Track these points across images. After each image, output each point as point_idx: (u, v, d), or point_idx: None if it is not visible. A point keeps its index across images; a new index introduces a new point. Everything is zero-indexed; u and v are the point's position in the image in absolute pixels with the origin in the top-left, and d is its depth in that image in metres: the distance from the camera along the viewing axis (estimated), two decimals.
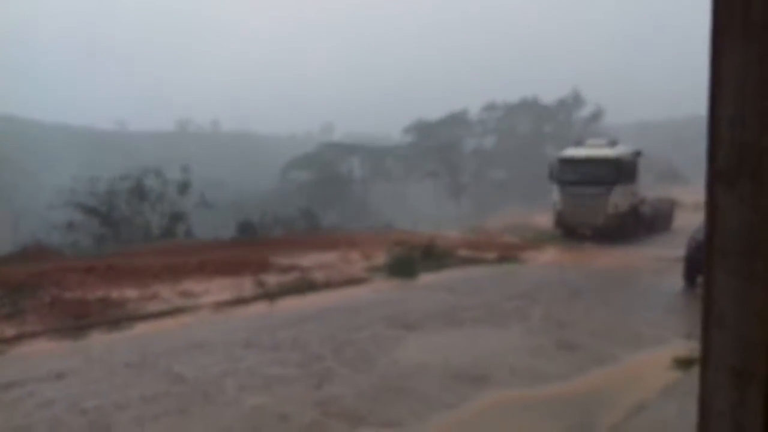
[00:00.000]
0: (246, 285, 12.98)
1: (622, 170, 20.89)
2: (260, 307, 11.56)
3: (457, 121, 49.80)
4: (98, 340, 9.34)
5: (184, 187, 25.05)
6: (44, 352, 8.56)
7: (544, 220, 23.35)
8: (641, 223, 21.60)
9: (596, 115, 52.57)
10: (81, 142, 51.74)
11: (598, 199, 20.50)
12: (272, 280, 13.53)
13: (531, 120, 50.93)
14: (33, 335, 9.24)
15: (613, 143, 22.84)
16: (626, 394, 6.69)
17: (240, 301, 11.92)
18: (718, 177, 2.22)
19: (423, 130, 49.20)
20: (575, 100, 52.58)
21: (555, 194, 21.93)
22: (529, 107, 51.09)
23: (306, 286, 13.19)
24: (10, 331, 9.24)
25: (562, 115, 52.35)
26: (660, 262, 15.20)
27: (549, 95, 51.82)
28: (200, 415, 6.31)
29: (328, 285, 13.38)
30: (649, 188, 23.47)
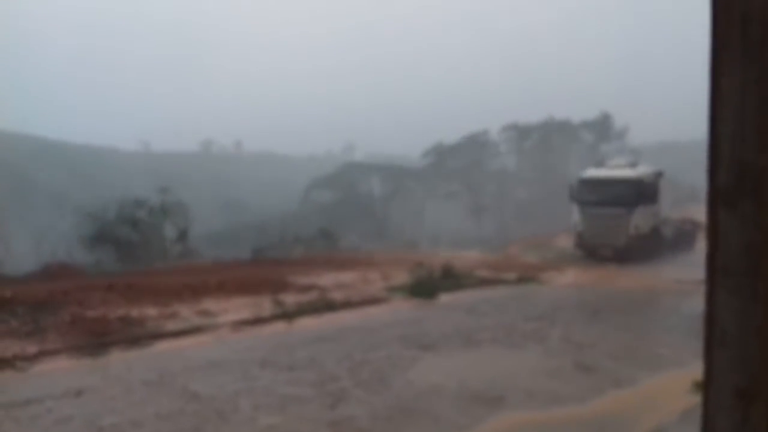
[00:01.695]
0: (264, 304, 13.03)
1: (643, 191, 20.75)
2: (278, 327, 11.59)
3: (477, 141, 49.82)
4: (117, 358, 9.42)
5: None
6: (64, 370, 8.66)
7: (565, 241, 23.22)
8: (663, 245, 21.38)
9: (621, 135, 52.33)
10: (105, 163, 52.52)
11: (619, 219, 20.36)
12: (290, 299, 13.57)
13: (554, 140, 50.76)
14: (53, 353, 9.34)
15: (634, 164, 22.71)
16: (644, 418, 6.61)
17: (258, 321, 11.96)
18: (718, 196, 2.22)
19: (442, 151, 49.28)
20: (604, 121, 52.37)
21: (575, 215, 21.83)
22: (552, 127, 50.97)
23: (324, 305, 13.21)
24: (30, 348, 9.36)
25: (586, 135, 52.15)
26: (681, 284, 14.99)
27: (573, 115, 51.74)
28: None
29: (346, 305, 13.40)
30: (670, 209, 23.25)
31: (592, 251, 21.51)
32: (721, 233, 2.18)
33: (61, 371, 8.57)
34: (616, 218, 20.39)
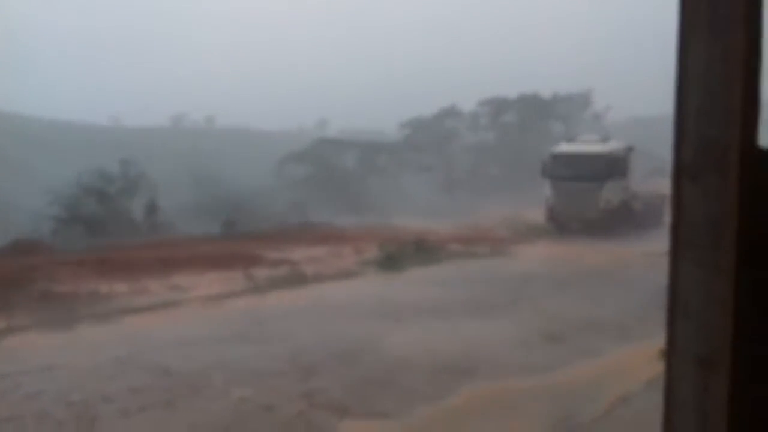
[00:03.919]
0: (236, 279, 13.00)
1: (613, 166, 20.97)
2: (249, 301, 11.58)
3: (451, 115, 49.74)
4: (87, 333, 9.35)
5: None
6: (33, 345, 8.56)
7: (537, 215, 23.40)
8: (632, 218, 21.67)
9: (597, 111, 52.61)
10: (76, 138, 51.52)
11: (590, 193, 20.58)
12: (262, 273, 13.55)
13: (528, 115, 50.83)
14: (22, 328, 9.25)
15: (605, 139, 22.91)
16: (611, 386, 6.74)
17: (229, 295, 11.94)
18: (683, 171, 2.25)
19: (418, 125, 49.12)
20: (581, 97, 52.51)
21: (547, 189, 22.01)
22: (527, 103, 51.00)
23: (296, 279, 13.22)
24: None
25: (562, 110, 52.27)
26: (650, 257, 15.20)
27: (549, 90, 51.78)
28: (186, 408, 6.33)
29: (318, 279, 13.42)
30: (641, 183, 23.53)
31: (563, 225, 21.75)
32: (685, 206, 2.21)
33: (30, 347, 8.47)
34: (586, 192, 20.60)
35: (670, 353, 2.36)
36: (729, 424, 2.08)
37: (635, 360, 7.55)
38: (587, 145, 22.18)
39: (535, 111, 50.27)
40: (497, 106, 51.25)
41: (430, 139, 47.39)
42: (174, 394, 6.68)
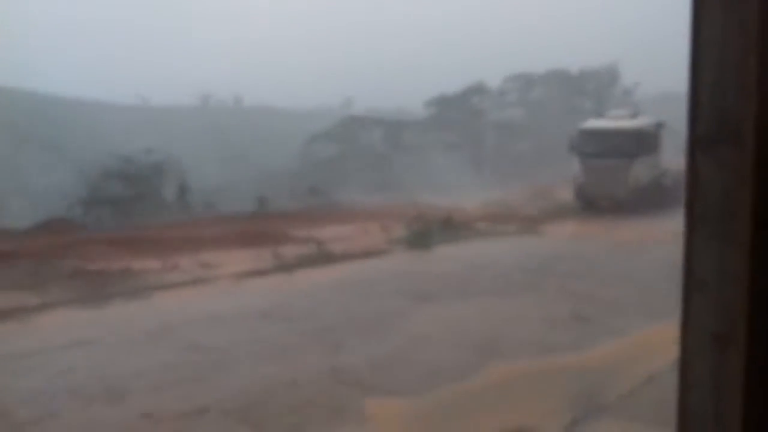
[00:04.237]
0: (264, 257, 13.13)
1: (643, 142, 20.65)
2: (278, 279, 11.71)
3: (478, 92, 49.30)
4: (119, 309, 9.56)
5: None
6: (65, 322, 8.79)
7: (566, 192, 23.20)
8: (663, 196, 21.37)
9: (627, 89, 51.63)
10: (105, 117, 52.12)
11: (619, 171, 20.30)
12: (290, 252, 13.67)
13: (556, 91, 50.19)
14: (54, 305, 9.49)
15: (635, 114, 22.54)
16: (638, 366, 6.71)
17: (258, 273, 12.08)
18: (697, 143, 2.22)
19: (444, 102, 48.80)
20: (610, 73, 51.62)
21: (575, 166, 21.76)
22: (556, 78, 50.33)
23: (323, 258, 13.32)
24: (32, 300, 9.49)
25: (591, 86, 51.51)
26: (680, 235, 14.98)
27: (577, 66, 51.02)
28: (214, 382, 6.46)
29: (345, 257, 13.50)
30: (671, 160, 23.16)
31: (592, 202, 21.50)
32: (699, 180, 2.20)
33: (62, 323, 8.70)
34: (615, 169, 20.32)
35: (685, 329, 2.35)
36: (744, 400, 2.07)
37: (662, 339, 7.49)
38: (616, 120, 21.82)
39: (563, 87, 49.63)
40: (525, 82, 50.71)
41: (457, 116, 47.11)
42: (202, 369, 6.83)
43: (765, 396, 2.05)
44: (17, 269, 11.10)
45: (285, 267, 12.49)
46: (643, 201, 20.31)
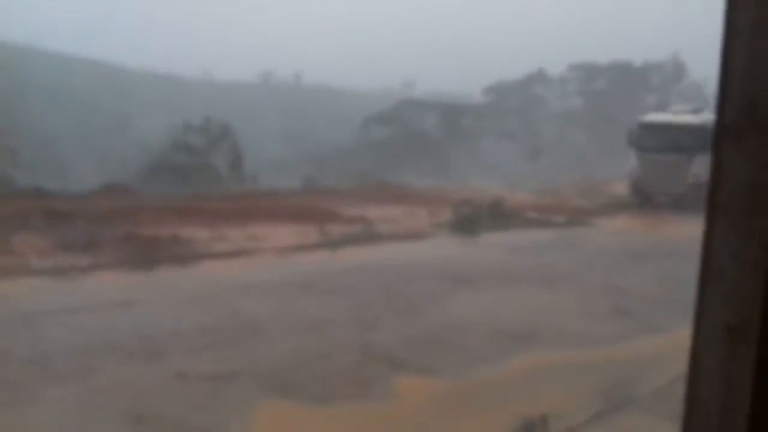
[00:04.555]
0: (311, 233, 13.28)
1: (705, 138, 20.00)
2: (321, 255, 11.84)
3: (538, 80, 48.56)
4: (165, 274, 9.84)
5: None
6: (114, 282, 9.10)
7: (621, 186, 22.73)
8: None
9: (696, 83, 49.98)
10: (169, 90, 53.22)
11: (678, 167, 19.74)
12: (337, 229, 13.78)
13: (619, 83, 49.02)
14: (105, 266, 9.82)
15: (698, 110, 21.87)
16: (674, 362, 6.55)
17: (303, 248, 12.23)
18: (725, 132, 2.17)
19: (503, 89, 48.22)
20: (675, 66, 50.19)
21: (633, 160, 21.27)
22: (619, 69, 49.16)
23: (368, 237, 13.40)
24: (84, 260, 9.84)
25: (654, 79, 50.19)
26: None
27: (642, 57, 49.76)
28: (248, 348, 6.62)
29: (390, 238, 13.55)
30: None
31: (648, 198, 21.00)
32: (725, 170, 2.14)
33: (111, 283, 9.00)
34: (674, 165, 19.77)
35: (699, 319, 2.31)
36: (754, 393, 2.03)
37: None
38: (678, 115, 21.19)
39: (626, 78, 48.37)
40: (587, 72, 49.62)
41: (515, 103, 46.53)
42: (238, 335, 6.99)
43: None
44: (73, 230, 11.51)
45: (330, 244, 12.61)
46: (701, 199, 19.67)
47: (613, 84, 49.18)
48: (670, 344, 7.26)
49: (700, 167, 19.86)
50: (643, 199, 21.14)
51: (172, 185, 21.93)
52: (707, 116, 21.07)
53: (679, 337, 7.64)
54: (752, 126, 2.04)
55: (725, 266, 2.20)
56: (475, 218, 15.58)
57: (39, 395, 5.41)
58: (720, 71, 2.28)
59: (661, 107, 23.36)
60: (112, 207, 13.90)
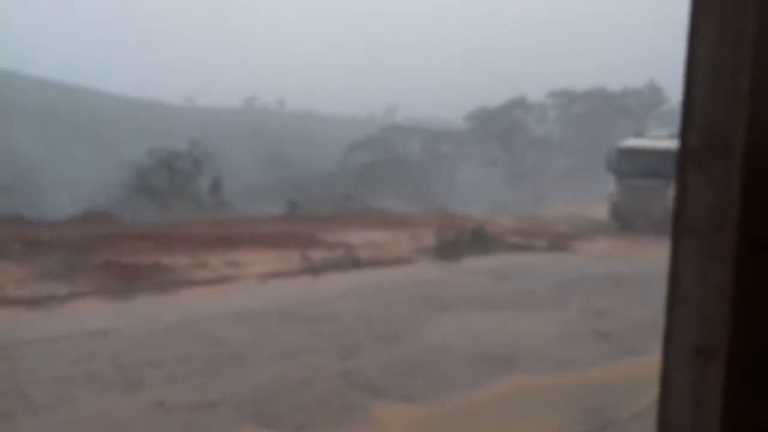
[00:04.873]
0: (292, 259, 13.25)
1: None
2: (303, 281, 11.81)
3: (519, 107, 49.12)
4: (145, 303, 9.75)
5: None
6: (92, 311, 9.01)
7: (601, 211, 22.94)
8: None
9: (673, 109, 50.73)
10: (151, 116, 53.19)
11: (656, 192, 19.97)
12: (318, 255, 13.76)
13: (598, 109, 49.72)
14: (83, 295, 9.72)
15: (674, 135, 22.20)
16: (654, 385, 6.60)
17: (284, 274, 12.20)
18: (688, 158, 2.23)
19: (485, 115, 48.72)
20: (652, 91, 50.99)
21: (612, 185, 21.51)
22: (597, 96, 49.89)
23: (350, 263, 13.38)
24: (62, 289, 9.74)
25: (633, 105, 50.91)
26: None
27: (619, 84, 50.55)
28: (228, 376, 6.57)
29: (372, 263, 13.54)
30: None
31: (628, 222, 21.21)
32: (689, 193, 2.20)
33: (89, 312, 8.91)
34: (652, 190, 20.00)
35: (667, 340, 2.35)
36: (723, 414, 2.06)
37: None
38: (655, 140, 21.48)
39: (604, 104, 49.10)
40: (566, 99, 50.31)
41: (496, 129, 46.98)
42: (219, 364, 6.94)
43: (744, 411, 2.03)
44: (51, 259, 11.41)
45: (311, 270, 12.58)
46: None
47: (591, 110, 49.89)
48: (649, 367, 7.30)
49: None
50: (623, 223, 21.35)
51: (152, 211, 21.84)
52: None
53: (659, 360, 7.71)
54: (714, 150, 2.11)
55: (692, 288, 2.25)
56: (457, 243, 15.64)
57: (16, 427, 5.33)
58: (683, 100, 2.35)
59: (639, 133, 23.64)
60: (91, 234, 13.80)
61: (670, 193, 20.05)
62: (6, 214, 18.67)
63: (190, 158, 24.91)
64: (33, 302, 9.10)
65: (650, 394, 6.28)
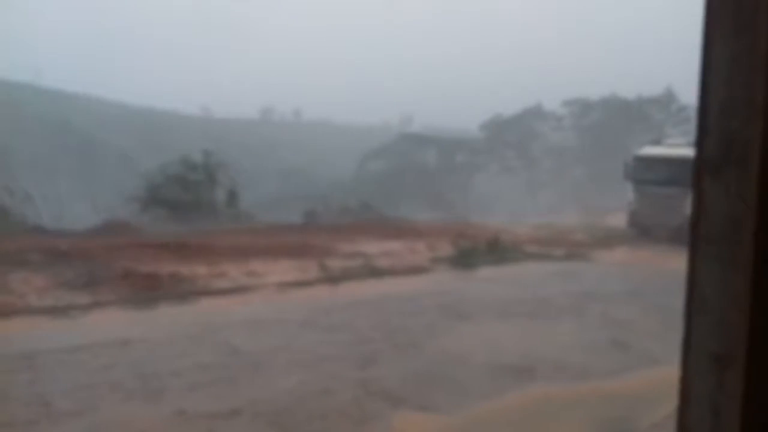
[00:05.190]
0: (310, 268, 13.31)
1: None
2: (321, 290, 11.86)
3: (535, 115, 49.02)
4: (165, 312, 9.85)
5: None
6: (113, 320, 9.12)
7: (619, 219, 22.81)
8: None
9: (690, 117, 50.30)
10: (169, 127, 53.69)
11: (674, 200, 19.83)
12: (336, 264, 13.82)
13: (615, 117, 49.51)
14: (104, 304, 9.83)
15: (692, 143, 22.08)
16: (673, 395, 6.57)
17: (302, 283, 12.26)
18: (705, 165, 2.25)
19: (500, 124, 48.68)
20: (669, 100, 50.68)
21: (630, 193, 21.40)
22: (613, 104, 49.70)
23: (368, 272, 13.42)
24: (84, 299, 9.86)
25: (650, 113, 50.64)
26: None
27: (635, 92, 50.34)
28: (248, 385, 6.62)
29: (389, 272, 13.57)
30: None
31: (646, 231, 21.06)
32: (705, 202, 2.22)
33: (110, 322, 9.02)
34: (671, 198, 19.86)
35: (686, 349, 2.38)
36: (742, 421, 2.08)
37: None
38: (673, 148, 21.35)
39: (620, 112, 48.86)
40: (581, 107, 50.14)
41: (512, 138, 46.91)
42: (238, 372, 6.99)
43: (763, 418, 2.05)
44: (71, 268, 11.55)
45: (329, 279, 12.64)
46: None
47: (607, 118, 49.67)
48: (668, 377, 7.26)
49: None
50: (641, 231, 21.21)
51: (170, 221, 22.02)
52: None
53: (677, 369, 7.66)
54: (730, 158, 2.13)
55: (710, 297, 2.27)
56: (474, 252, 15.63)
57: None
58: (698, 108, 2.37)
59: (657, 141, 23.51)
60: (111, 244, 13.95)
61: (688, 201, 19.85)
62: (27, 225, 18.94)
63: (206, 169, 25.08)
64: (54, 311, 9.23)
65: (668, 404, 6.24)
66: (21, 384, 6.48)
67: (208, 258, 13.67)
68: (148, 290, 10.78)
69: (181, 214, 22.67)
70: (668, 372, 7.05)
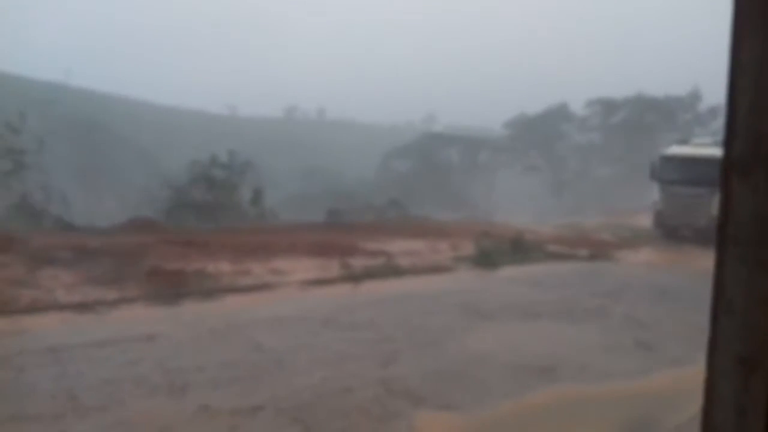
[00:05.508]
0: (333, 266, 13.37)
1: None
2: (344, 288, 11.91)
3: (559, 115, 48.65)
4: (190, 308, 9.95)
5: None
6: (139, 316, 9.23)
7: (645, 219, 22.60)
8: None
9: (714, 112, 49.58)
10: (195, 126, 54.15)
11: (701, 200, 19.60)
12: (358, 263, 13.86)
13: (642, 116, 48.96)
14: (131, 300, 9.95)
15: (719, 142, 21.81)
16: (697, 397, 6.51)
17: (325, 281, 12.32)
18: (733, 166, 2.23)
19: (524, 123, 48.39)
20: (695, 100, 50.04)
21: (656, 193, 21.18)
22: (639, 103, 49.17)
23: (390, 271, 13.45)
24: (110, 295, 9.99)
25: (675, 112, 50.06)
26: None
27: (662, 91, 49.78)
28: (270, 382, 6.67)
29: (411, 271, 13.58)
30: None
31: (672, 231, 20.85)
32: (733, 203, 2.20)
33: (137, 317, 9.13)
34: (697, 198, 19.63)
35: (711, 351, 2.36)
36: (767, 421, 2.07)
37: None
38: (700, 148, 21.10)
39: (646, 112, 48.32)
40: (607, 107, 49.66)
41: (536, 137, 46.63)
42: (261, 369, 7.05)
43: None
44: (99, 265, 11.72)
45: (352, 277, 12.68)
46: None
47: (633, 117, 49.15)
48: (693, 379, 7.19)
49: None
50: (667, 232, 21.00)
51: (195, 219, 22.23)
52: None
53: (701, 371, 7.58)
54: (759, 159, 2.10)
55: (736, 298, 2.25)
56: (497, 252, 15.59)
57: (66, 428, 5.49)
58: (726, 107, 2.35)
59: (683, 140, 23.24)
60: (138, 241, 14.12)
61: (715, 201, 19.67)
62: (55, 222, 19.24)
63: (231, 168, 25.26)
64: (82, 307, 9.36)
65: (693, 406, 6.20)
66: (48, 378, 6.59)
67: (232, 256, 13.79)
68: (174, 287, 10.89)
69: (207, 213, 22.88)
70: (692, 373, 7.03)
